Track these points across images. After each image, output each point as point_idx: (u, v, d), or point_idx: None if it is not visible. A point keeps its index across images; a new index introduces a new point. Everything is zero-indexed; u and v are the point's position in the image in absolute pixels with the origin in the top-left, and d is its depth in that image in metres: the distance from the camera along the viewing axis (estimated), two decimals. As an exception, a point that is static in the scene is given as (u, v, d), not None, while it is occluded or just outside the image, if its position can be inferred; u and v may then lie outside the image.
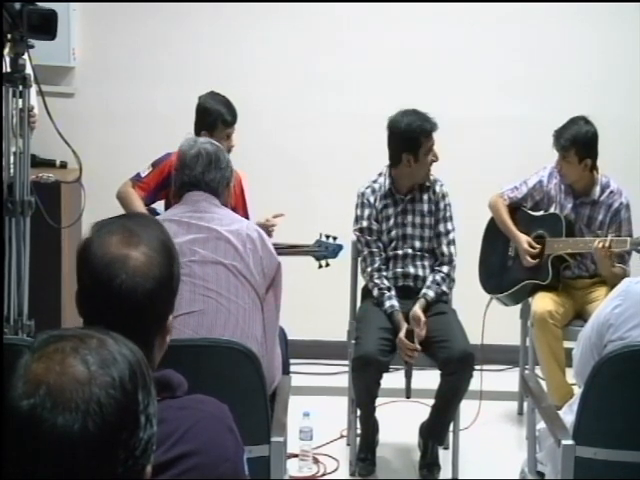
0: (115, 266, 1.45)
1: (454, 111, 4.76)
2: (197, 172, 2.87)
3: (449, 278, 3.75)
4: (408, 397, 3.65)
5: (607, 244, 3.79)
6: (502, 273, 4.20)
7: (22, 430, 1.03)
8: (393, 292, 3.68)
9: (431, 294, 3.69)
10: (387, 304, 3.65)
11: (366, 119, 4.64)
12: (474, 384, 3.66)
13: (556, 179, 4.08)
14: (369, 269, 3.74)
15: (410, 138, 3.68)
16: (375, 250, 3.75)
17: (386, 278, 3.72)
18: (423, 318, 3.57)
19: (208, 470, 1.38)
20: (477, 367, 3.63)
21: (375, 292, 3.70)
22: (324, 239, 3.97)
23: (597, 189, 4.00)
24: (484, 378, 4.10)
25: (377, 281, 3.70)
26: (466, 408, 3.80)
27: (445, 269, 3.74)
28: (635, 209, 4.07)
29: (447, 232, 3.78)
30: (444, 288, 3.73)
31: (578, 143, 3.90)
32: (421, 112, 3.70)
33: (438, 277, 3.73)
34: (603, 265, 3.89)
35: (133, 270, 1.45)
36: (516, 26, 4.87)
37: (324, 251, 3.96)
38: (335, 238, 3.96)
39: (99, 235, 1.49)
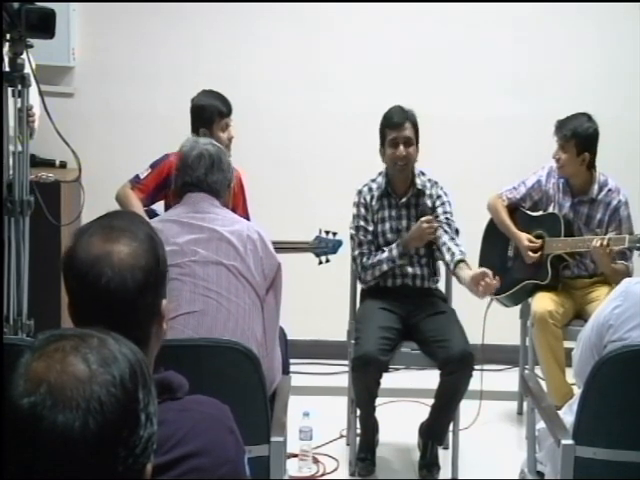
0: (100, 265, 1.44)
1: (454, 111, 4.77)
2: (200, 173, 2.88)
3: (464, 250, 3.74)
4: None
5: (605, 242, 3.79)
6: (502, 274, 4.19)
7: (23, 428, 1.03)
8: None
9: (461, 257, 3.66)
10: (386, 255, 3.68)
11: (366, 118, 4.63)
12: (474, 384, 3.65)
13: (554, 178, 4.08)
14: (359, 268, 3.77)
15: (379, 130, 3.73)
16: (365, 252, 3.75)
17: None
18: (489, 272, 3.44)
19: (209, 471, 1.37)
20: (477, 367, 3.63)
21: (376, 272, 3.71)
22: (323, 235, 3.98)
23: (595, 187, 4.00)
24: (484, 378, 4.10)
25: (368, 266, 3.71)
26: (466, 408, 3.80)
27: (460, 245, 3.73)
28: (635, 209, 4.07)
29: (449, 224, 3.75)
30: (464, 256, 3.69)
31: (579, 135, 3.92)
32: (402, 106, 3.70)
33: (460, 247, 3.71)
34: (602, 263, 3.89)
35: (119, 265, 1.44)
36: (517, 26, 4.87)
37: (324, 247, 3.97)
38: (335, 234, 3.97)
39: (80, 240, 1.48)
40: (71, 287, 1.48)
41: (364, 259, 3.74)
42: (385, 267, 3.72)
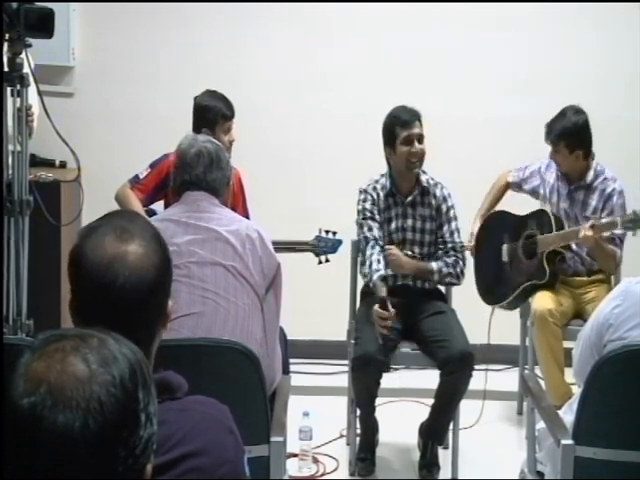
0: (115, 265, 1.43)
1: (453, 111, 4.77)
2: (199, 171, 2.87)
3: (458, 266, 3.73)
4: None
5: (593, 231, 3.70)
6: (499, 282, 4.17)
7: (23, 428, 1.03)
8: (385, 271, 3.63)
9: (434, 265, 3.68)
10: (375, 276, 3.57)
11: (365, 118, 4.64)
12: (477, 384, 3.65)
13: (553, 168, 4.13)
14: (369, 252, 3.64)
15: (386, 129, 3.70)
16: (378, 236, 3.68)
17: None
18: (396, 254, 3.63)
19: (208, 471, 1.37)
20: (481, 367, 3.62)
21: (365, 268, 3.65)
22: (323, 234, 3.98)
23: (590, 173, 4.03)
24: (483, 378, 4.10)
25: (375, 266, 3.62)
26: (467, 408, 3.80)
27: (453, 257, 3.73)
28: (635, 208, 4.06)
29: (452, 233, 3.77)
30: (450, 270, 3.71)
31: (566, 136, 3.94)
32: (406, 105, 3.69)
33: (449, 259, 3.72)
34: (596, 249, 3.86)
35: (134, 265, 1.44)
36: (516, 26, 4.87)
37: (324, 247, 3.96)
38: (335, 233, 3.97)
39: (90, 239, 1.47)
40: (81, 287, 1.47)
41: (377, 248, 3.65)
42: (367, 270, 3.63)
